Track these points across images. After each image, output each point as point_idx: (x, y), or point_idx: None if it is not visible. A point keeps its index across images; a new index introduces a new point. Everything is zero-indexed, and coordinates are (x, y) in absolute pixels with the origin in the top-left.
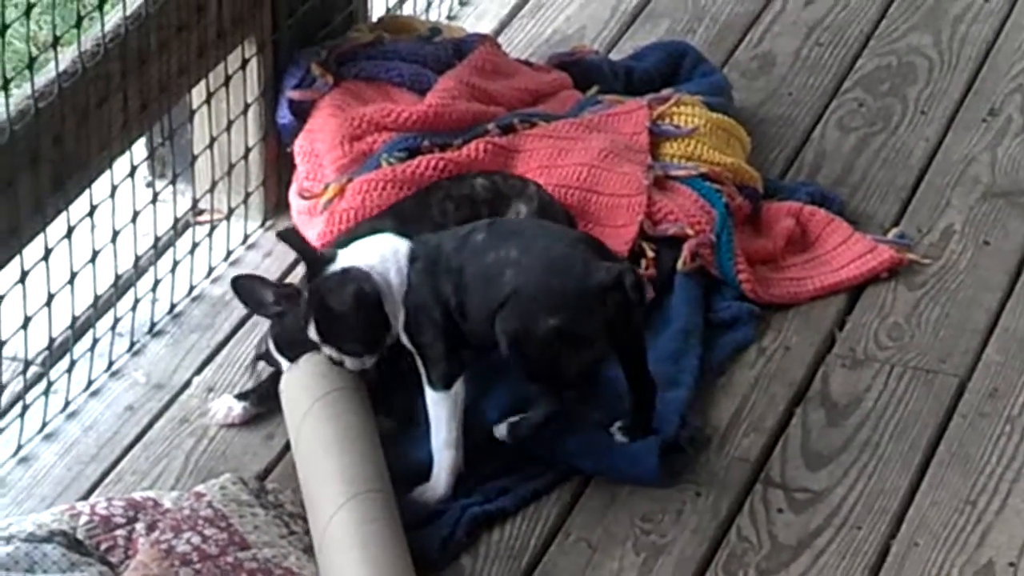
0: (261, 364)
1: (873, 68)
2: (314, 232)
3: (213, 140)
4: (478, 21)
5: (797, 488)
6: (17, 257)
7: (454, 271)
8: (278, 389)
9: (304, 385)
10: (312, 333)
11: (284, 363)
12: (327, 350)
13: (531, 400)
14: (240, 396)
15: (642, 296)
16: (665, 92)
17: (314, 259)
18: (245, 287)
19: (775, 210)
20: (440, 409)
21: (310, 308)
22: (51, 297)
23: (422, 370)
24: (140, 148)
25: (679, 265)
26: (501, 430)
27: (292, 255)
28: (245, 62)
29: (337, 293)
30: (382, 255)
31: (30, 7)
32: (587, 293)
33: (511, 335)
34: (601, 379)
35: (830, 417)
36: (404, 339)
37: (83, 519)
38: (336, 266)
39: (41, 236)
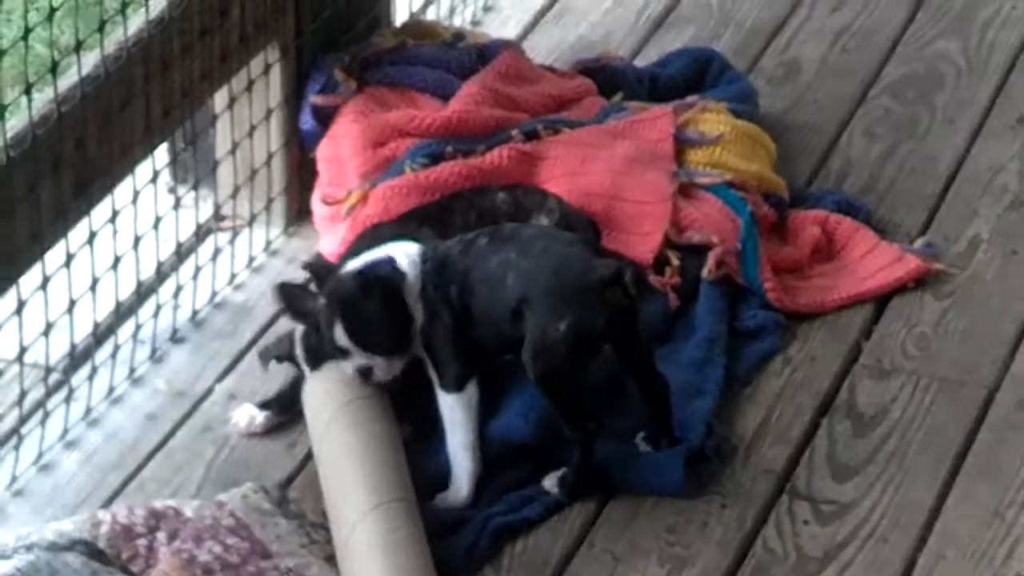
0: (273, 363)
1: (900, 75)
2: (336, 239)
3: (236, 146)
4: (502, 27)
5: (823, 500)
6: (39, 263)
7: (459, 275)
8: (299, 397)
9: (327, 393)
10: (340, 337)
11: (308, 371)
12: (356, 356)
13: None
14: (262, 405)
15: (642, 291)
16: (690, 99)
17: (329, 271)
18: (289, 295)
19: (801, 218)
20: (454, 412)
21: (332, 311)
22: (73, 303)
23: (433, 373)
24: (162, 153)
25: (704, 273)
26: (550, 483)
27: None
28: (268, 67)
29: (358, 289)
30: (396, 253)
31: (52, 11)
32: (589, 289)
33: (536, 351)
34: (625, 389)
35: (856, 428)
36: (417, 341)
37: (104, 528)
38: (349, 268)
39: (63, 242)
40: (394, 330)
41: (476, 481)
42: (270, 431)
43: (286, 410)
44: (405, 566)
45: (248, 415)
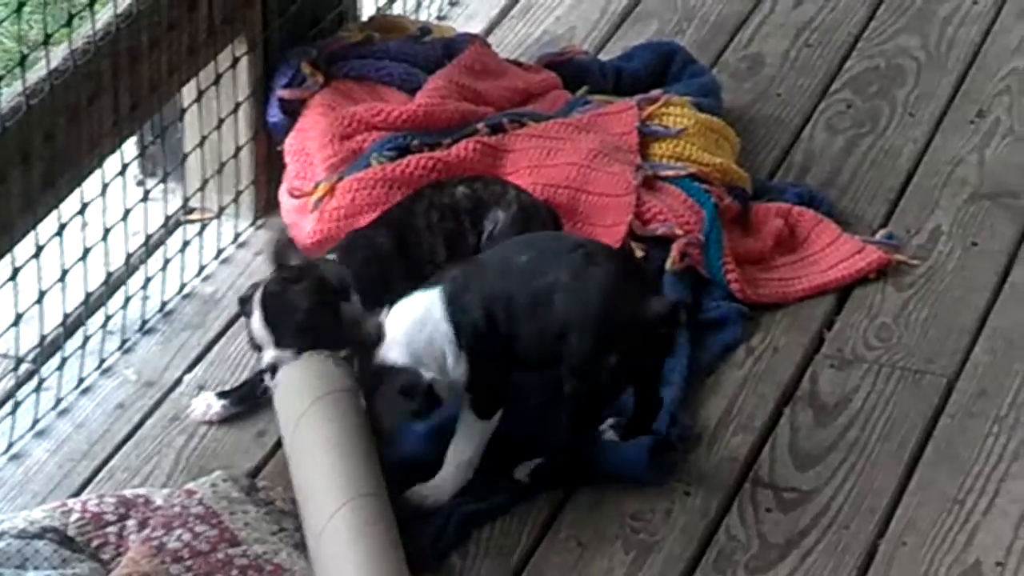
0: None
1: (862, 70)
2: (304, 231)
3: (204, 139)
4: (468, 21)
5: (786, 487)
6: (8, 255)
7: (501, 299)
8: (258, 391)
9: (299, 388)
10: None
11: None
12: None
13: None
14: (221, 395)
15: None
16: (654, 93)
17: (363, 341)
18: (279, 246)
19: (764, 210)
20: (472, 432)
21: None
22: (42, 294)
23: (465, 395)
24: (131, 146)
25: (667, 265)
26: (523, 473)
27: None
28: (236, 61)
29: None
30: (422, 338)
31: (20, 5)
32: (642, 327)
33: (579, 376)
34: None
35: (818, 417)
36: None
37: (74, 516)
38: (388, 359)
39: (32, 234)
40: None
41: (459, 490)
42: (238, 420)
43: (244, 400)
44: (378, 560)
45: (205, 403)
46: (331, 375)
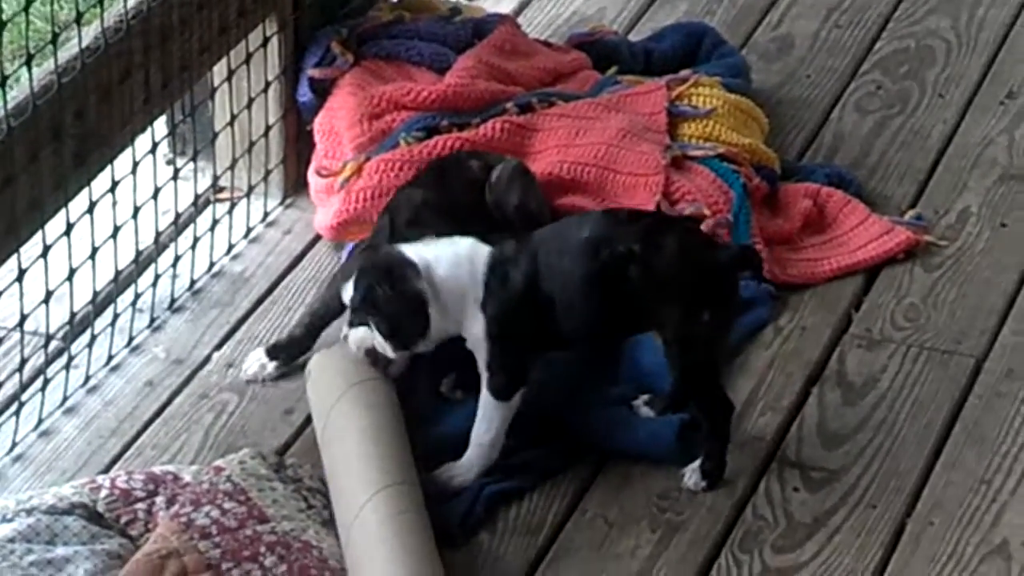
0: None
1: (891, 51)
2: (331, 210)
3: (234, 118)
4: (498, 1)
5: (813, 467)
6: (39, 232)
7: (557, 276)
8: (305, 344)
9: (333, 374)
10: (346, 295)
11: None
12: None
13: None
14: (271, 353)
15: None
16: (683, 73)
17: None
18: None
19: (792, 191)
20: (493, 412)
21: (357, 276)
22: (72, 272)
23: (484, 374)
24: (161, 125)
25: None
26: (693, 481)
27: (311, 234)
28: (266, 40)
29: (384, 274)
30: (456, 259)
31: None
32: (722, 273)
33: (681, 342)
34: (622, 356)
35: (846, 397)
36: (475, 344)
37: (103, 492)
38: (398, 251)
39: (63, 211)
40: (399, 329)
41: (486, 469)
42: (263, 398)
43: (295, 358)
44: (411, 548)
45: (259, 362)
46: (362, 364)
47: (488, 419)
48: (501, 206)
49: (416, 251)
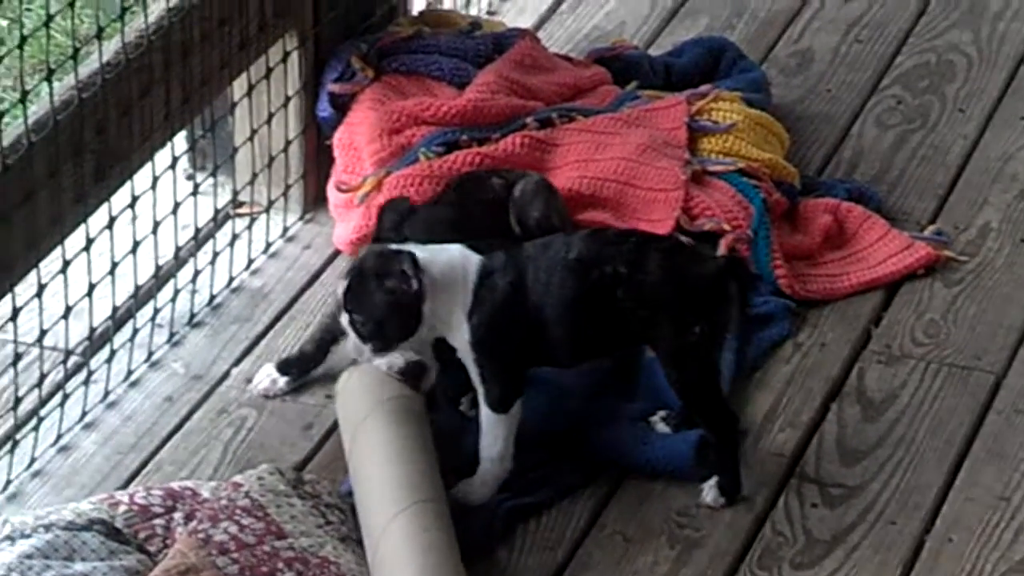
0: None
1: (912, 65)
2: (351, 225)
3: (254, 133)
4: (518, 16)
5: (832, 483)
6: (59, 247)
7: (543, 295)
8: (319, 359)
9: (359, 394)
10: (339, 291)
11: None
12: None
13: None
14: (282, 368)
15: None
16: (704, 88)
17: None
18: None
19: (812, 206)
20: (496, 427)
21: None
22: (92, 287)
23: (479, 388)
24: (181, 140)
25: None
26: (712, 497)
27: (331, 248)
28: (286, 55)
29: (379, 269)
30: (450, 262)
31: (73, 1)
32: (709, 284)
33: (676, 358)
34: (640, 372)
35: (865, 413)
36: (464, 355)
37: (122, 508)
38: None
39: (83, 226)
40: (386, 330)
41: (500, 484)
42: (287, 414)
43: (305, 373)
44: (436, 566)
45: (270, 378)
46: (392, 380)
47: (491, 433)
48: (524, 221)
49: (412, 248)
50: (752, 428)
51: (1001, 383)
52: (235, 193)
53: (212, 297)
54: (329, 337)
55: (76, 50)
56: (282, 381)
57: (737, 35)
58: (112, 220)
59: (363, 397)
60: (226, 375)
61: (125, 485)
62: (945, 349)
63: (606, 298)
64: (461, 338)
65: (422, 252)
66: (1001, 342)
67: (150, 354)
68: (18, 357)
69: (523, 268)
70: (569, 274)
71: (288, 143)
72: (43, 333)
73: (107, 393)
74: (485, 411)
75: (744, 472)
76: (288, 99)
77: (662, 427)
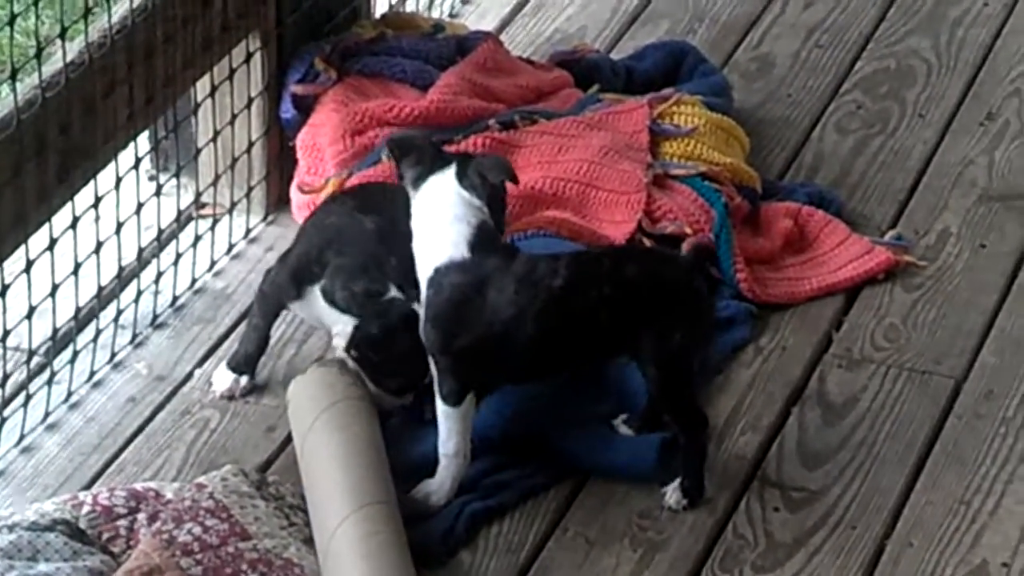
0: None
1: (872, 71)
2: None
3: (217, 134)
4: (480, 19)
5: (793, 487)
6: (23, 247)
7: (516, 312)
8: (259, 351)
9: (311, 394)
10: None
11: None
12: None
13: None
14: (236, 369)
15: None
16: (665, 91)
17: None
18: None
19: (773, 210)
20: (450, 422)
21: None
22: (55, 287)
23: (435, 383)
24: (144, 140)
25: None
26: (675, 500)
27: None
28: (249, 56)
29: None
30: (431, 235)
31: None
32: (681, 287)
33: (661, 367)
34: (604, 375)
35: (826, 417)
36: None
37: (85, 509)
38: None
39: (46, 226)
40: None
41: (459, 482)
42: (249, 416)
43: (255, 367)
44: (385, 568)
45: (230, 379)
46: (339, 384)
47: (446, 429)
48: None
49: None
50: (714, 431)
51: (961, 388)
52: (198, 194)
53: (175, 298)
54: (256, 334)
55: (40, 49)
56: (243, 380)
57: (698, 39)
58: (75, 220)
59: (312, 401)
60: (189, 376)
61: (88, 486)
62: (905, 354)
63: (591, 320)
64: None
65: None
66: (961, 347)
67: (113, 355)
68: None
69: (487, 277)
70: (555, 302)
71: (251, 144)
72: (6, 333)
73: (70, 394)
74: (439, 404)
75: (706, 475)
76: (251, 100)
77: (624, 430)
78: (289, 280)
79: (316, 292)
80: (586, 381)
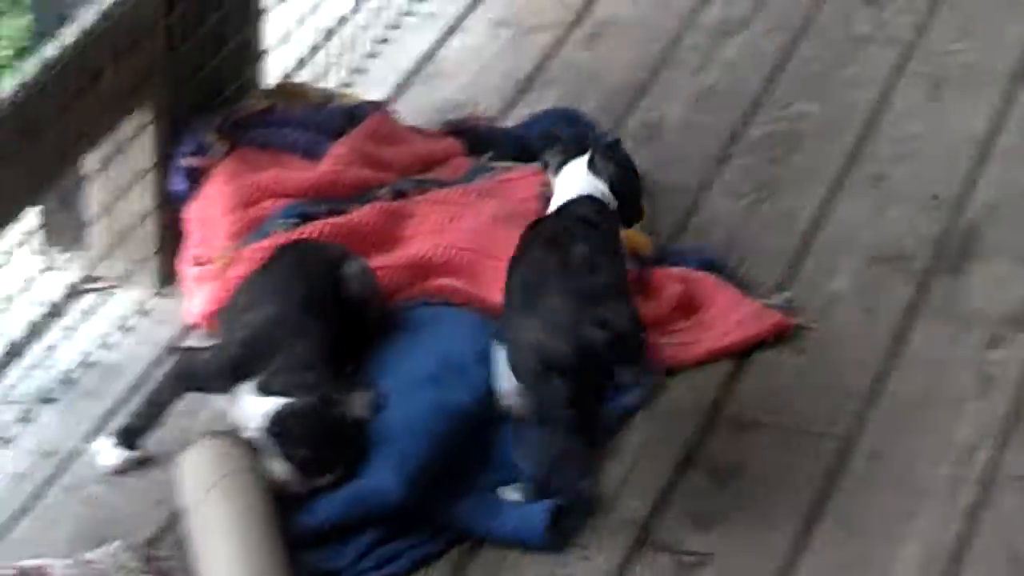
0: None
1: (761, 134)
2: (205, 299)
3: (108, 207)
4: (373, 88)
5: (684, 551)
6: None
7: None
8: (151, 427)
9: (202, 467)
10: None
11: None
12: None
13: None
14: (124, 443)
15: None
16: None
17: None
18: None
19: (664, 275)
20: None
21: None
22: None
23: None
24: (35, 214)
25: None
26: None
27: (185, 323)
28: (140, 129)
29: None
30: None
31: None
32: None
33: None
34: (491, 443)
35: (716, 480)
36: None
37: None
38: None
39: None
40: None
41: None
42: (138, 489)
43: (142, 443)
44: None
45: (114, 453)
46: (230, 456)
47: None
48: (351, 297)
49: None
50: (605, 496)
51: (849, 450)
52: (89, 268)
53: (65, 372)
54: (158, 410)
55: None
56: (130, 453)
57: (589, 106)
58: None
59: (203, 474)
60: (78, 451)
61: None
62: (794, 416)
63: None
64: None
65: None
66: (850, 409)
67: (1, 431)
68: None
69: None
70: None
71: (142, 217)
72: None
73: None
74: None
75: (596, 539)
76: (142, 173)
77: (515, 497)
78: (223, 374)
79: (249, 386)
80: (476, 449)
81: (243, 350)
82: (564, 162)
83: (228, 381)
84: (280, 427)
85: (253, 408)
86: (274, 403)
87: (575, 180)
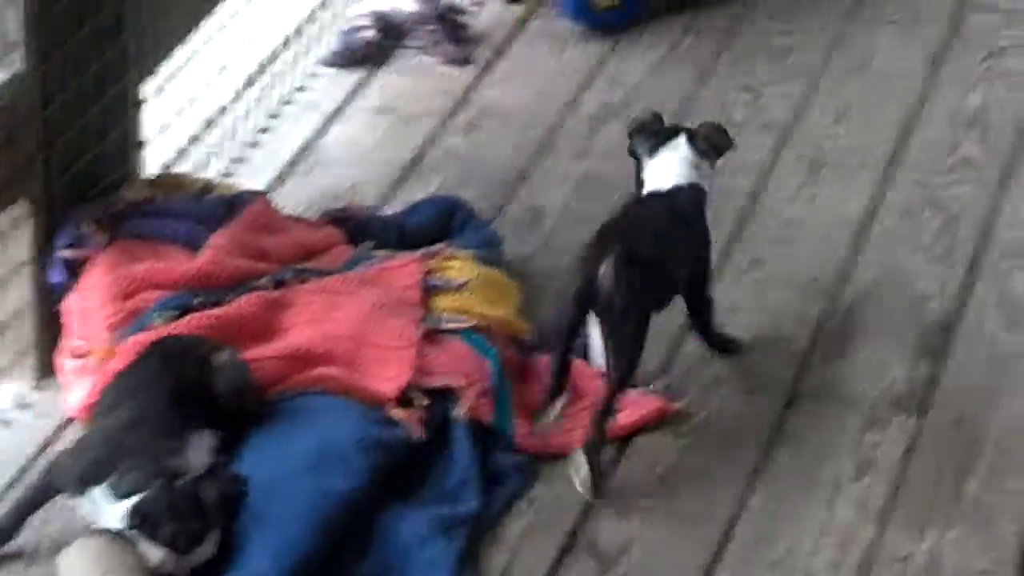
0: None
1: None
2: (84, 392)
3: None
4: (254, 177)
5: None
6: None
7: None
8: (19, 525)
9: (83, 566)
10: None
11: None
12: None
13: None
14: None
15: None
16: (437, 247)
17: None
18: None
19: (544, 361)
20: None
21: None
22: None
23: None
24: None
25: (455, 414)
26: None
27: (64, 416)
28: (17, 222)
29: None
30: None
31: None
32: None
33: None
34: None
35: (599, 566)
36: None
37: None
38: None
39: None
40: None
41: None
42: None
43: (7, 541)
44: None
45: None
46: (111, 554)
47: None
48: (221, 392)
49: None
50: None
51: (730, 534)
52: None
53: None
54: (28, 509)
55: None
56: None
57: (470, 194)
58: None
59: (81, 573)
60: None
61: None
62: (675, 501)
63: None
64: None
65: None
66: (729, 494)
67: None
68: None
69: None
70: None
71: (20, 311)
72: None
73: None
74: None
75: None
76: (20, 265)
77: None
78: (75, 480)
79: (102, 489)
80: (353, 539)
81: (93, 455)
82: (657, 145)
83: (81, 486)
84: (139, 520)
85: (110, 511)
86: (127, 504)
87: (676, 161)
